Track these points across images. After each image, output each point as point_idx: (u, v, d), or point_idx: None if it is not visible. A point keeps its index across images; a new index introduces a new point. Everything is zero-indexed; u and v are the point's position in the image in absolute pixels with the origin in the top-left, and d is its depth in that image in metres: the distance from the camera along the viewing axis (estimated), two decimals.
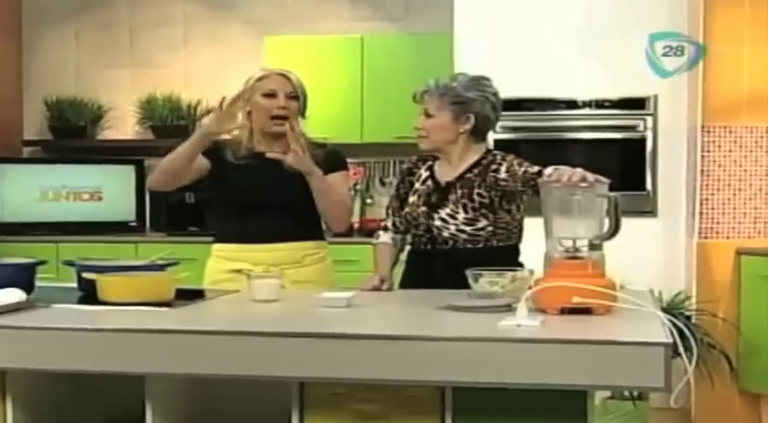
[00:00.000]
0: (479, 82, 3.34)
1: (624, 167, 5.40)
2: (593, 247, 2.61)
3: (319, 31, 6.52)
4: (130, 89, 6.85)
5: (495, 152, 3.36)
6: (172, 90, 6.71)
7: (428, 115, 3.32)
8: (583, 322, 2.43)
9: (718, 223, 5.12)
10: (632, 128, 5.38)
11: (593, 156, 5.29)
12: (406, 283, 3.37)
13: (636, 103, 5.37)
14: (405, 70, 6.03)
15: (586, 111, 5.43)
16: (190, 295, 2.92)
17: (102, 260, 3.37)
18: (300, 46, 6.27)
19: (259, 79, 3.42)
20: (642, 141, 5.37)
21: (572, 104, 5.44)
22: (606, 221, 2.63)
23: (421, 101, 3.35)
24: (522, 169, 3.17)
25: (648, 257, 5.20)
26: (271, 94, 3.40)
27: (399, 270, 3.45)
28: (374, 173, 6.61)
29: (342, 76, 6.23)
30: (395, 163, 6.56)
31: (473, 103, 3.29)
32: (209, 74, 6.70)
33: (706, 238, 5.13)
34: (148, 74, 6.83)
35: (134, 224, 6.56)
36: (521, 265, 3.16)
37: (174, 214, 6.35)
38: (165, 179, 3.33)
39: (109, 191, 6.58)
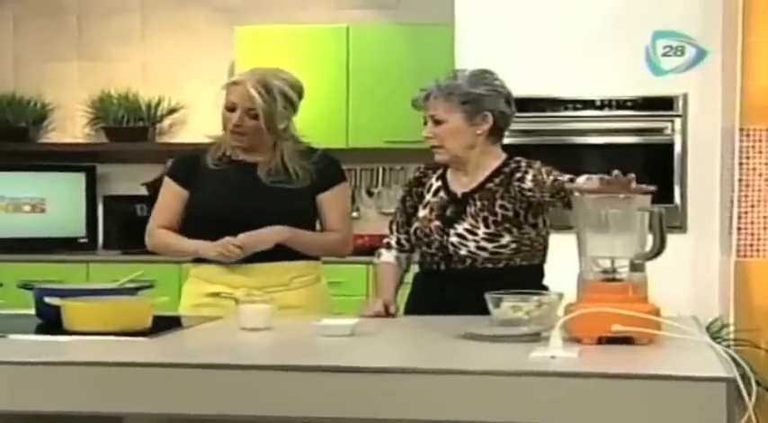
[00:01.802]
0: (484, 76, 3.36)
1: (649, 176, 5.24)
2: (634, 267, 2.63)
3: (298, 21, 6.51)
4: (79, 85, 6.81)
5: (519, 158, 3.38)
6: (128, 86, 6.68)
7: (437, 121, 3.32)
8: (625, 353, 2.44)
9: (758, 240, 5.13)
10: (658, 131, 5.39)
11: (613, 163, 5.11)
12: (412, 308, 3.38)
13: (662, 103, 5.37)
14: (397, 66, 6.06)
15: (605, 112, 5.43)
16: (165, 323, 2.90)
17: (55, 282, 3.38)
18: (276, 37, 6.27)
19: (227, 85, 3.49)
20: (670, 146, 5.37)
21: (589, 104, 5.43)
22: (649, 238, 2.65)
23: (424, 107, 3.36)
24: (551, 178, 3.19)
25: (677, 279, 5.18)
26: (231, 109, 3.46)
27: (402, 293, 3.45)
28: (361, 182, 6.63)
29: (324, 72, 6.22)
30: (384, 171, 6.59)
31: (485, 100, 3.31)
32: (171, 69, 6.69)
33: (745, 256, 5.14)
34: (100, 68, 6.80)
35: (84, 241, 6.53)
36: (545, 287, 3.17)
37: (130, 229, 6.29)
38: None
39: (54, 202, 6.54)
